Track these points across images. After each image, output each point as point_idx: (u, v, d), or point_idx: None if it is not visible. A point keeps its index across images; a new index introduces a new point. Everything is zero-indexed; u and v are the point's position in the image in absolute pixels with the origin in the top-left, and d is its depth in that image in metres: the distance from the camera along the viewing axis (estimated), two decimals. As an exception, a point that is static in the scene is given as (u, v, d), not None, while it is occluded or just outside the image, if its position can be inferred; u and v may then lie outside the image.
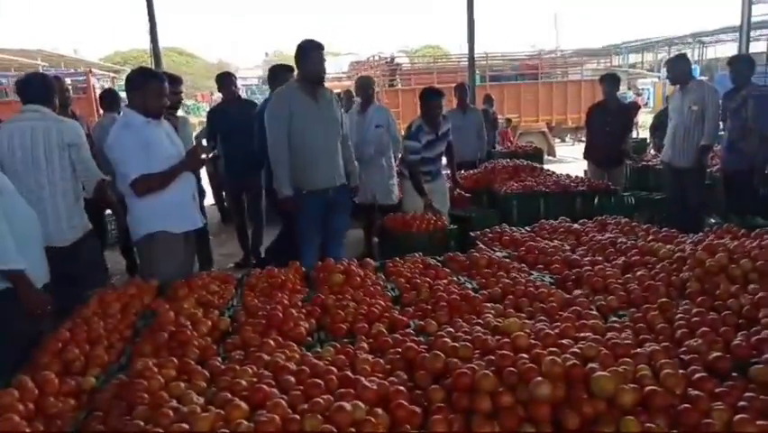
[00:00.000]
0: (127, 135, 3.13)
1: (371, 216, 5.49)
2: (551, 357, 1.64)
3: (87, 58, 28.12)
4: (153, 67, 8.84)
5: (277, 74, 4.88)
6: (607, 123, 5.82)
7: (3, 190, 2.53)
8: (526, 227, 3.98)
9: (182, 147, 3.39)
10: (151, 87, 3.20)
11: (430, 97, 4.81)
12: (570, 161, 13.44)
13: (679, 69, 5.29)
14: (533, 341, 1.86)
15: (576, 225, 3.86)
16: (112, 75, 21.22)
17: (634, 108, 7.51)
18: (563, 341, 1.88)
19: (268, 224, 5.69)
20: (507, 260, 3.21)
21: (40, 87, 3.51)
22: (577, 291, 2.65)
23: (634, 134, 10.92)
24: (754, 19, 9.74)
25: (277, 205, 4.11)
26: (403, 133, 5.36)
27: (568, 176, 6.20)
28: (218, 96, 6.59)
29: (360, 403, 1.56)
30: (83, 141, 3.52)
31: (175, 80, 4.75)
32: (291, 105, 3.88)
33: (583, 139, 17.30)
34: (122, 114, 3.34)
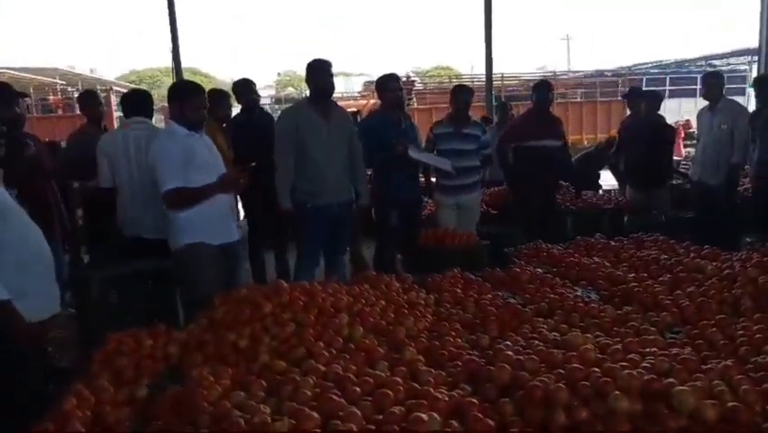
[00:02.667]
0: (170, 145, 3.17)
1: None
2: (627, 371, 1.60)
3: (104, 76, 28.46)
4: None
5: (239, 89, 4.99)
6: (642, 140, 5.50)
7: (5, 214, 2.30)
8: (561, 244, 3.94)
9: (222, 163, 3.40)
10: (190, 99, 3.25)
11: (454, 92, 4.95)
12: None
13: (713, 85, 5.27)
14: (600, 355, 1.82)
15: (613, 243, 3.82)
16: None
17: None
18: (630, 356, 1.84)
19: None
20: (549, 276, 3.18)
21: (144, 102, 4.05)
22: (626, 308, 2.61)
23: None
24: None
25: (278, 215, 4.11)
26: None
27: (594, 194, 6.18)
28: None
29: (435, 415, 1.52)
30: None
31: (223, 96, 4.85)
32: (299, 121, 3.94)
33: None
34: (166, 124, 3.37)
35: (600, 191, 6.85)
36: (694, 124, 11.53)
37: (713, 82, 5.32)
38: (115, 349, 2.32)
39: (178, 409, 1.83)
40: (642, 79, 23.23)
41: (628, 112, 6.58)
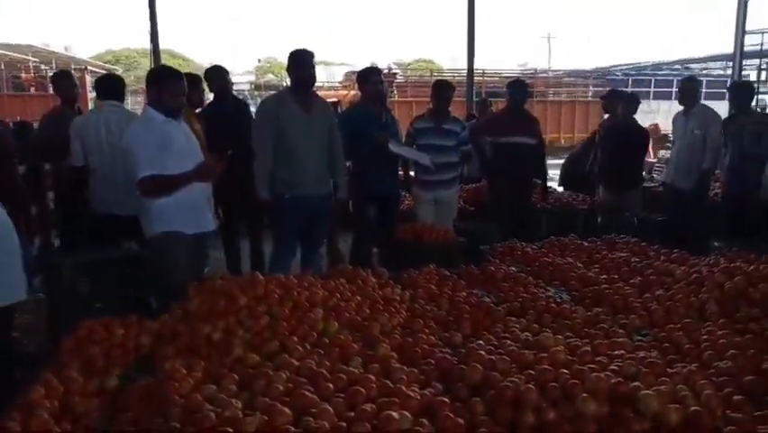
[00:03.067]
0: (146, 133, 3.11)
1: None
2: (595, 374, 1.64)
3: (79, 55, 27.81)
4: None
5: (211, 75, 4.88)
6: (617, 142, 5.57)
7: None
8: (535, 243, 3.99)
9: (199, 151, 3.36)
10: (168, 86, 3.19)
11: (435, 87, 4.94)
12: (561, 179, 13.54)
13: (689, 91, 5.36)
14: (570, 357, 1.86)
15: (586, 243, 3.89)
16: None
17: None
18: (599, 358, 1.89)
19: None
20: (523, 275, 3.22)
21: (117, 87, 4.31)
22: (597, 309, 2.66)
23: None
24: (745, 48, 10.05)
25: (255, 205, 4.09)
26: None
27: (570, 194, 6.25)
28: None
29: (406, 413, 1.54)
30: None
31: (197, 81, 4.69)
32: (279, 111, 3.91)
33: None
34: (143, 110, 3.31)
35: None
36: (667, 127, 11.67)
37: (689, 87, 5.41)
38: (86, 337, 2.29)
39: (149, 400, 1.82)
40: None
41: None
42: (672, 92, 21.42)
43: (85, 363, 2.14)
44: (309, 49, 3.96)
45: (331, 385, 1.75)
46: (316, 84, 4.55)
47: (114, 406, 1.90)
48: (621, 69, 26.36)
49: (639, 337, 2.36)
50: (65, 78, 4.91)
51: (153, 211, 3.16)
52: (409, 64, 37.99)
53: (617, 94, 6.41)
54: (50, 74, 14.68)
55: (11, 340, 2.82)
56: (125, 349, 2.27)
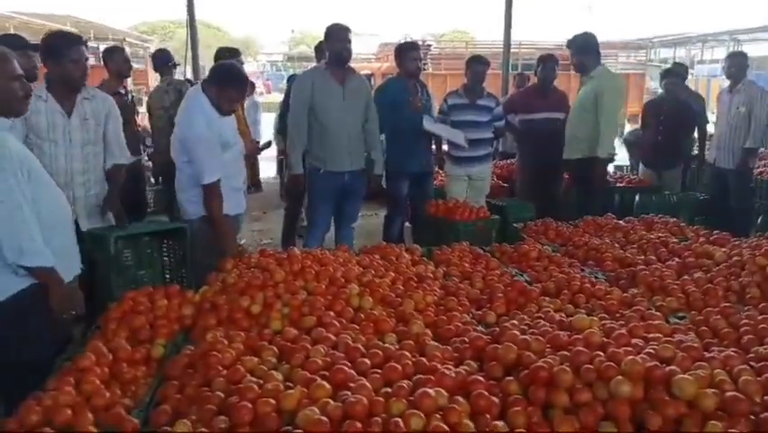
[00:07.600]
0: (208, 132, 3.05)
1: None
2: (631, 357, 1.64)
3: (115, 26, 28.08)
4: (190, 39, 8.89)
5: (322, 50, 4.88)
6: (660, 120, 5.44)
7: (32, 174, 2.23)
8: (570, 222, 3.96)
9: (240, 139, 3.39)
10: (229, 91, 3.11)
11: (470, 63, 4.88)
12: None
13: (738, 66, 5.16)
14: (605, 339, 1.86)
15: (622, 223, 3.83)
16: (145, 45, 21.25)
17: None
18: (634, 340, 1.88)
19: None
20: (557, 254, 3.20)
21: None
22: (633, 290, 2.64)
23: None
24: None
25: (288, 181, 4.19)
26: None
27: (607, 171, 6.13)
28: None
29: (442, 390, 1.57)
30: None
31: (233, 53, 4.50)
32: (314, 87, 3.93)
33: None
34: (197, 98, 3.13)
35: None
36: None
37: (736, 62, 5.22)
38: (131, 307, 2.38)
39: (193, 370, 1.89)
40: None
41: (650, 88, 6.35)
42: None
43: (131, 332, 2.23)
44: (345, 23, 3.95)
45: (367, 361, 1.79)
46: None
47: (161, 374, 1.98)
48: (663, 41, 25.45)
49: (676, 320, 2.34)
50: (117, 53, 4.85)
51: (198, 195, 3.14)
52: (443, 35, 37.39)
53: (676, 71, 6.05)
54: (90, 44, 14.84)
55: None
56: (169, 319, 2.35)
